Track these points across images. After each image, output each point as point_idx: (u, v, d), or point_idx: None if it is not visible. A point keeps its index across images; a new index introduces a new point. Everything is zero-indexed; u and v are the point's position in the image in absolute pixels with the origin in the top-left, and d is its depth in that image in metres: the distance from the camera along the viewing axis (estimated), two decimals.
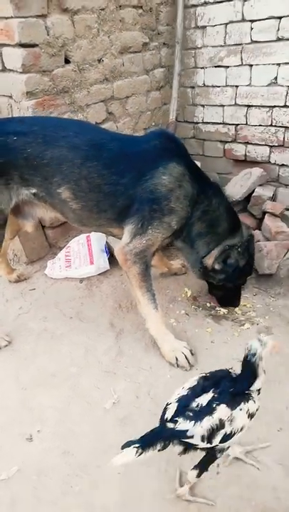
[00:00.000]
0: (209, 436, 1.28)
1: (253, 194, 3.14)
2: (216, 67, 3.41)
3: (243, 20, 3.08)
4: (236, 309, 2.34)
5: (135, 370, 1.99)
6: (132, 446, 1.23)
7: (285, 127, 3.18)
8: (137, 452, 1.22)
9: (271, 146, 3.35)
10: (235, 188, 3.28)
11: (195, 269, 2.19)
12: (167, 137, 2.10)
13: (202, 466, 1.38)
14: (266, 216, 2.94)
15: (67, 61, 2.70)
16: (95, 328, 2.27)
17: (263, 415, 1.71)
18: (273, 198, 3.21)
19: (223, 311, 2.35)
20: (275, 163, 3.38)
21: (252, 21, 3.03)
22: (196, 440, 1.28)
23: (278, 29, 2.92)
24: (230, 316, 2.31)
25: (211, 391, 1.34)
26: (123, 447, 1.24)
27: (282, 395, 1.80)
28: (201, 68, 3.51)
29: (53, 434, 1.71)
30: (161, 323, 2.05)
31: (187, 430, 1.28)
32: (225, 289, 2.26)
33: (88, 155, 1.91)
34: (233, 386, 1.36)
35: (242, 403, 1.33)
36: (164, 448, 1.28)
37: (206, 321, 2.28)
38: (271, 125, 3.26)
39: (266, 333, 2.14)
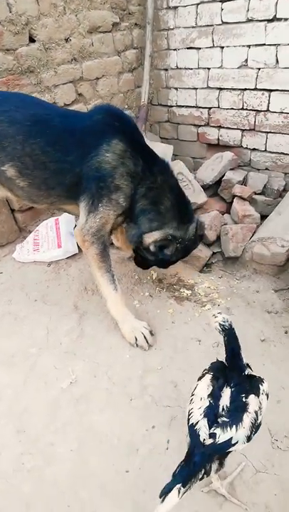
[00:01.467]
0: (249, 434, 1.19)
1: (224, 178, 3.15)
2: (188, 48, 3.37)
3: (214, 0, 3.04)
4: (199, 291, 2.36)
5: (95, 351, 2.01)
6: (173, 489, 1.06)
7: (256, 111, 3.18)
8: (179, 493, 1.06)
9: (243, 130, 3.35)
10: (207, 171, 3.28)
11: (132, 242, 2.15)
12: (112, 112, 2.03)
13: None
14: (235, 200, 2.95)
15: (32, 40, 2.65)
16: (59, 310, 2.27)
17: None
18: (244, 182, 3.21)
19: (186, 292, 2.37)
20: (246, 148, 3.39)
21: (222, 1, 2.99)
22: (239, 444, 1.17)
23: (248, 10, 2.88)
24: (193, 298, 2.34)
25: (226, 387, 1.26)
26: (163, 494, 1.06)
27: None
28: (174, 50, 3.47)
29: (8, 413, 1.72)
30: (121, 304, 2.06)
31: (231, 438, 1.16)
32: (147, 262, 2.27)
33: (31, 131, 1.87)
34: (237, 370, 1.30)
35: (259, 385, 1.27)
36: (206, 474, 1.15)
37: (169, 303, 2.30)
38: (242, 108, 3.25)
39: (226, 313, 2.17)
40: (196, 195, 3.01)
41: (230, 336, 1.34)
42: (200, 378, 1.36)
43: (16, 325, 2.19)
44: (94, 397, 1.77)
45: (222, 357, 1.90)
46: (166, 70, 3.62)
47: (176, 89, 3.64)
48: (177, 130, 3.83)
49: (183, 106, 3.67)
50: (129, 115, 2.22)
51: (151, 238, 2.06)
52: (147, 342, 1.98)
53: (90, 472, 1.52)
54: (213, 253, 2.77)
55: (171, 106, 3.76)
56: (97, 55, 3.14)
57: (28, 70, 2.66)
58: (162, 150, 3.47)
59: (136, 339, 1.99)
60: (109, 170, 1.90)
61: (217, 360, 1.41)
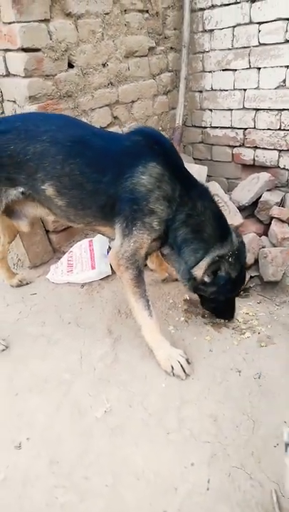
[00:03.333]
0: None
1: (261, 199, 3.07)
2: (223, 70, 3.37)
3: (251, 22, 3.04)
4: (237, 317, 2.27)
5: (130, 378, 1.94)
6: None
7: None
8: None
9: (280, 151, 3.28)
10: (243, 192, 3.22)
11: (184, 280, 2.06)
12: (150, 134, 1.99)
13: None
14: (273, 222, 2.87)
15: (70, 65, 2.71)
16: (92, 334, 2.23)
17: (258, 428, 1.64)
18: (282, 204, 3.13)
19: None
20: (284, 168, 3.31)
21: (259, 23, 2.99)
22: None
23: (286, 31, 2.86)
24: (231, 325, 2.24)
25: None
26: None
27: (281, 408, 1.72)
28: (209, 72, 3.48)
29: (41, 442, 1.67)
30: (156, 330, 1.99)
31: None
32: (217, 302, 2.12)
33: (71, 151, 1.87)
34: None
35: None
36: None
37: (206, 329, 2.21)
38: (280, 129, 3.19)
39: (267, 342, 2.07)
40: (231, 217, 2.95)
41: None
42: None
43: (49, 348, 2.16)
44: (129, 428, 1.69)
45: (264, 389, 1.80)
46: (200, 91, 3.62)
47: (210, 110, 3.62)
48: (211, 151, 3.80)
49: (217, 127, 3.64)
50: (167, 138, 2.20)
51: (201, 270, 1.96)
52: (184, 371, 1.89)
53: (125, 510, 1.43)
54: (251, 277, 2.67)
55: (205, 127, 3.74)
56: (133, 79, 3.18)
57: (66, 94, 2.71)
58: (196, 171, 3.44)
59: (172, 368, 1.91)
60: (144, 193, 1.85)
61: None
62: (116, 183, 1.88)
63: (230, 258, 1.96)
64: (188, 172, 2.00)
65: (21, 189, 2.00)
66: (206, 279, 1.96)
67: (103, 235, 2.30)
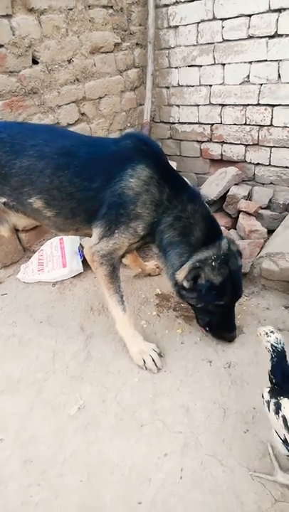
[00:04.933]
0: None
1: (228, 193, 3.13)
2: (189, 66, 3.40)
3: (214, 18, 3.08)
4: None
5: (103, 374, 1.95)
6: None
7: (259, 125, 3.18)
8: None
9: (246, 145, 3.34)
10: (211, 187, 3.26)
11: (171, 285, 1.97)
12: (138, 138, 1.98)
13: None
14: (241, 215, 2.93)
15: (35, 61, 2.67)
16: (65, 332, 2.23)
17: (228, 416, 1.69)
18: (249, 197, 3.19)
19: None
20: (250, 162, 3.38)
21: (223, 20, 3.03)
22: None
23: (249, 27, 2.91)
24: None
25: None
26: None
27: (250, 395, 1.77)
28: (175, 68, 3.50)
29: (15, 442, 1.66)
30: (129, 325, 2.01)
31: None
32: (209, 313, 1.95)
33: (59, 164, 1.84)
34: None
35: None
36: None
37: (177, 322, 2.25)
38: (245, 124, 3.26)
39: (237, 332, 2.12)
40: None
41: (280, 358, 1.35)
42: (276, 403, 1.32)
43: (21, 348, 2.15)
44: (103, 424, 1.71)
45: (234, 378, 1.85)
46: (167, 87, 3.64)
47: (178, 106, 3.65)
48: (180, 146, 3.84)
49: (185, 123, 3.68)
50: (155, 141, 2.17)
51: (182, 273, 1.85)
52: (156, 365, 1.92)
53: (100, 504, 1.45)
54: None
55: (174, 123, 3.77)
56: (100, 75, 3.17)
57: (31, 91, 2.67)
58: None
59: (144, 362, 1.93)
60: (132, 196, 1.82)
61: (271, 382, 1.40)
62: (106, 187, 1.85)
63: (214, 262, 1.81)
64: (177, 174, 1.98)
65: (3, 199, 1.97)
66: (185, 284, 1.84)
67: (88, 236, 2.20)
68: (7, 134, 1.90)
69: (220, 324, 1.98)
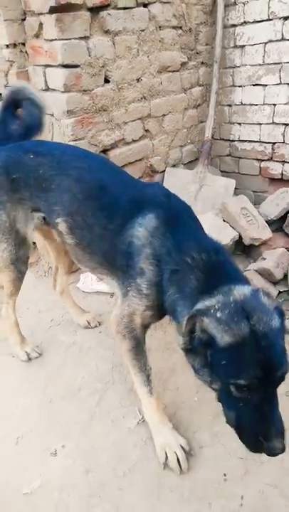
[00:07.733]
0: None
1: None
2: (253, 85, 3.40)
3: (283, 39, 3.07)
4: None
5: (161, 390, 1.96)
6: None
7: None
8: None
9: None
10: (271, 206, 3.22)
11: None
12: (162, 188, 1.83)
13: None
14: None
15: (106, 80, 2.77)
16: None
17: None
18: None
19: None
20: None
21: None
22: None
23: None
24: None
25: None
26: None
27: None
28: (239, 86, 3.51)
29: (76, 451, 1.70)
30: (157, 409, 1.74)
31: None
32: (234, 404, 1.27)
33: (91, 192, 1.78)
34: None
35: None
36: None
37: None
38: None
39: None
40: (260, 231, 2.96)
41: None
42: None
43: (81, 357, 2.21)
44: None
45: None
46: (229, 105, 3.66)
47: (239, 124, 3.65)
48: (238, 164, 3.82)
49: (246, 141, 3.66)
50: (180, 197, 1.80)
51: (180, 331, 1.40)
52: (180, 467, 1.63)
53: None
54: (280, 292, 2.67)
55: (234, 140, 3.76)
56: (165, 93, 3.24)
57: (101, 108, 2.77)
58: (224, 184, 3.48)
59: (166, 458, 1.65)
60: (137, 247, 1.61)
61: None
62: (119, 232, 1.70)
63: (220, 312, 1.25)
64: (191, 223, 1.68)
65: (43, 215, 1.95)
66: (181, 342, 1.35)
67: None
68: (59, 151, 1.92)
69: (251, 424, 1.25)
